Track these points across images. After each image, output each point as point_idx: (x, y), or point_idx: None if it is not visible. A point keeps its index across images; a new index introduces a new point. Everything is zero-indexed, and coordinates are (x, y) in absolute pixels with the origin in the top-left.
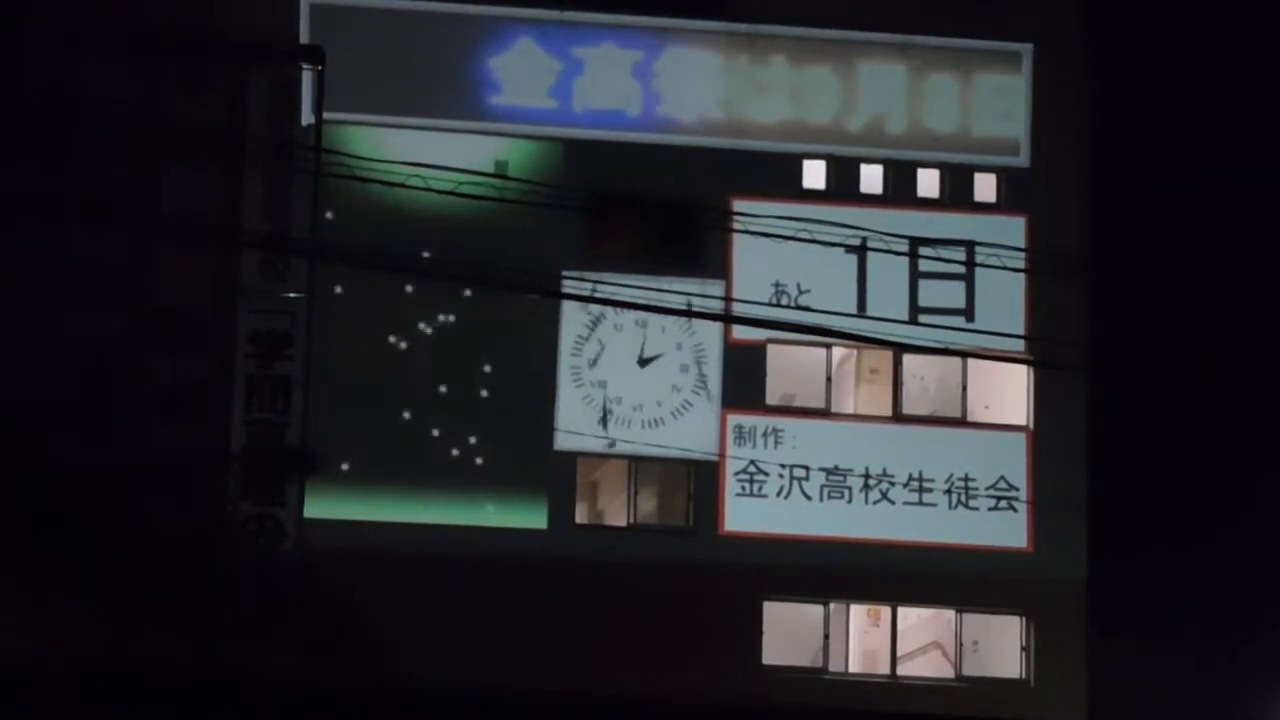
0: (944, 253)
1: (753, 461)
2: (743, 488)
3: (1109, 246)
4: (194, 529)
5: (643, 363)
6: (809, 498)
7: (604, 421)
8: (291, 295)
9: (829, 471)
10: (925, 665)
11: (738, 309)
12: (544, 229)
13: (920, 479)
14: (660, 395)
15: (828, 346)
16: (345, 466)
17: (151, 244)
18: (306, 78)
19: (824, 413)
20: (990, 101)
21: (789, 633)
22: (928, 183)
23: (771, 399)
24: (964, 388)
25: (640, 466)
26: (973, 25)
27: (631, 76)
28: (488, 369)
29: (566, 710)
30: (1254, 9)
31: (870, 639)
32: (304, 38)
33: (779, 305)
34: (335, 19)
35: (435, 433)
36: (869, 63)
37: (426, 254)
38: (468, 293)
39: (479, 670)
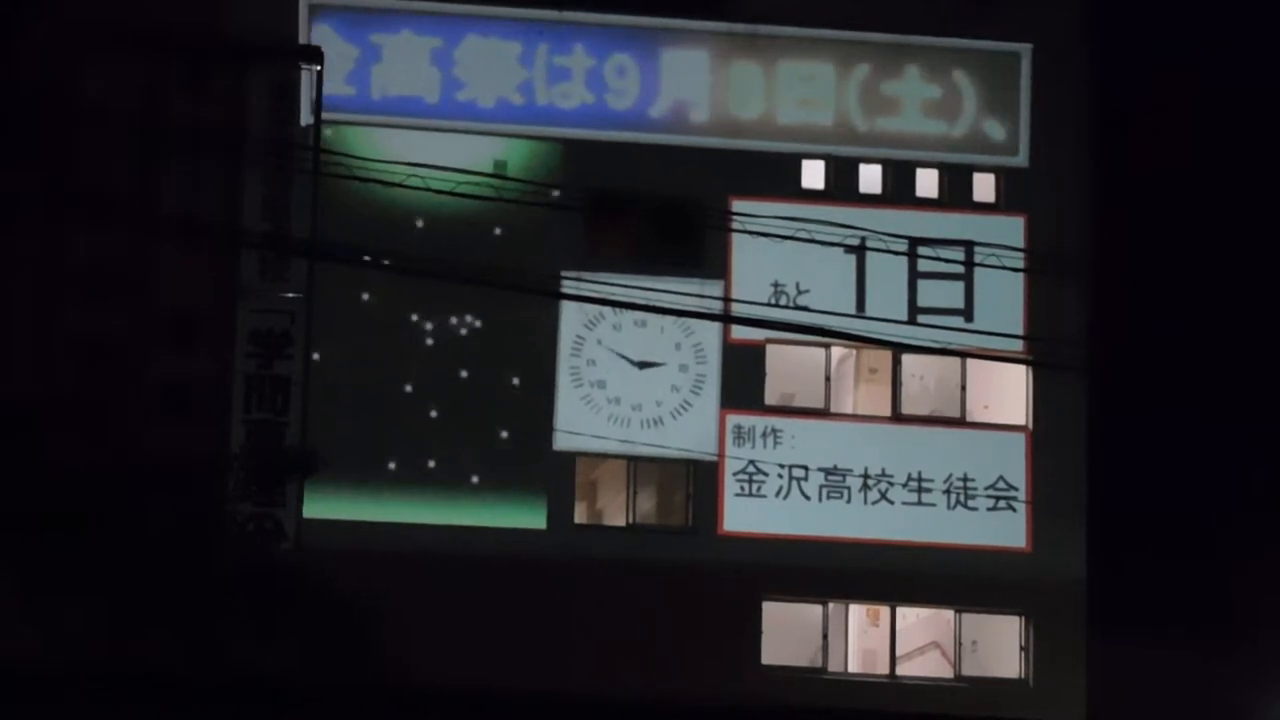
0: (943, 253)
1: (752, 461)
2: (742, 488)
3: (1109, 246)
4: (194, 529)
5: (642, 366)
6: (808, 498)
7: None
8: (291, 295)
9: (828, 471)
10: (924, 665)
11: (737, 309)
12: (544, 229)
13: (919, 479)
14: (660, 395)
15: (827, 346)
16: (345, 467)
17: (151, 244)
18: (306, 78)
19: (823, 413)
20: (989, 102)
21: (788, 633)
22: (927, 183)
23: (771, 399)
24: (963, 388)
25: (639, 466)
26: (972, 25)
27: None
28: (488, 369)
29: (566, 710)
30: (1253, 9)
31: (869, 639)
32: (303, 38)
33: (778, 305)
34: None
35: (435, 433)
36: (868, 63)
37: (426, 254)
38: (468, 293)
39: (479, 670)
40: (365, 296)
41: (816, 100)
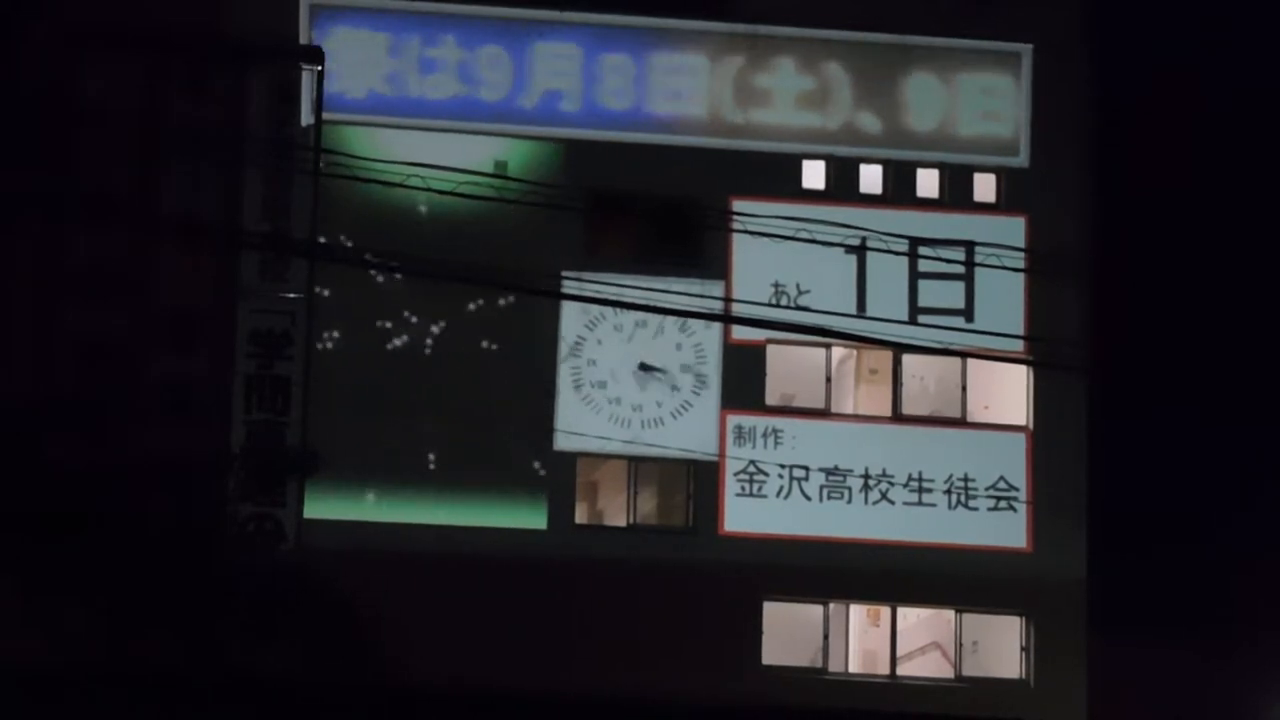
0: (943, 253)
1: (752, 462)
2: (742, 488)
3: (1109, 246)
4: (194, 529)
5: (644, 368)
6: (809, 498)
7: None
8: (291, 295)
9: (829, 472)
10: (925, 665)
11: (737, 309)
12: (544, 229)
13: (920, 479)
14: (660, 395)
15: (827, 346)
16: (345, 467)
17: (151, 244)
18: (306, 78)
19: (824, 413)
20: (990, 102)
21: (789, 633)
22: (927, 183)
23: (771, 399)
24: (964, 388)
25: (640, 467)
26: (973, 26)
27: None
28: (488, 369)
29: (567, 710)
30: (1253, 9)
31: (870, 639)
32: (304, 38)
33: (779, 305)
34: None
35: (435, 433)
36: (868, 63)
37: (427, 254)
38: (468, 292)
39: (479, 670)
40: (365, 297)
41: (816, 100)
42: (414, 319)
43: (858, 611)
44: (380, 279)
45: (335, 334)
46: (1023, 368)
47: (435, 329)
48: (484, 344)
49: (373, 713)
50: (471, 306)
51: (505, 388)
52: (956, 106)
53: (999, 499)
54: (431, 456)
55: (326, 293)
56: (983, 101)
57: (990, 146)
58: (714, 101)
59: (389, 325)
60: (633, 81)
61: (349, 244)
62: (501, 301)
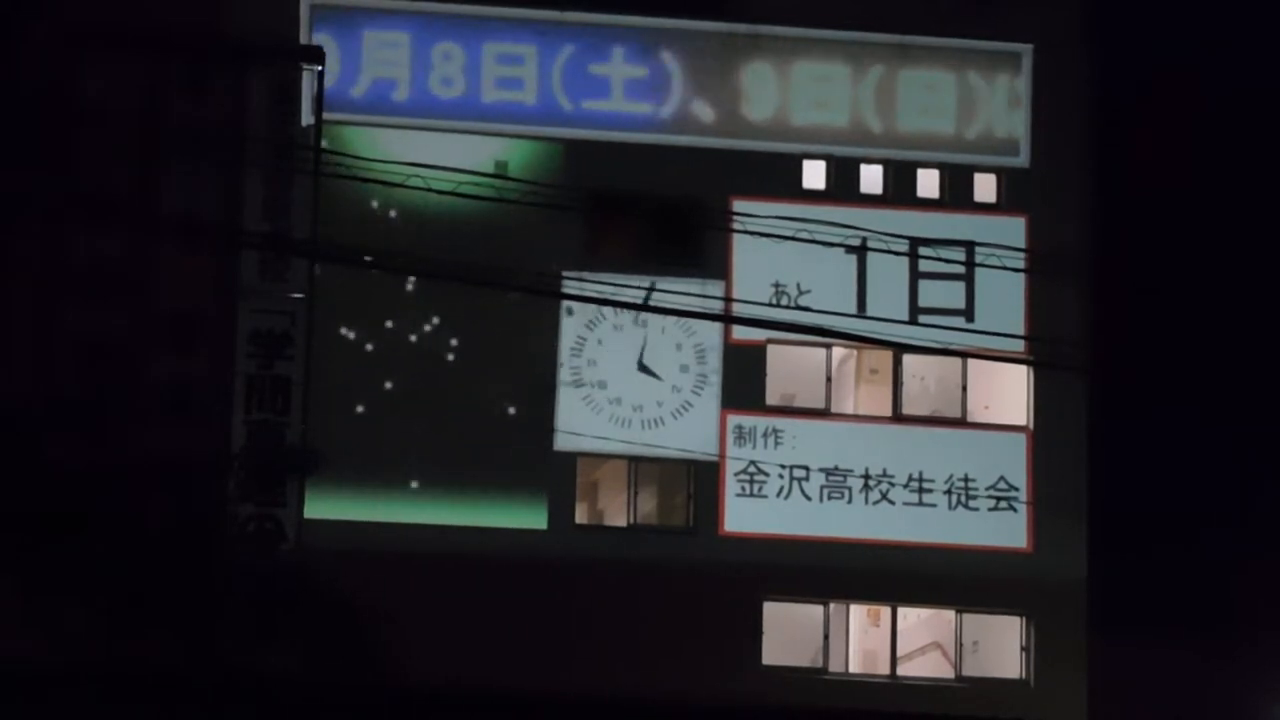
0: (944, 253)
1: (753, 462)
2: (743, 488)
3: (1109, 246)
4: (194, 529)
5: (642, 369)
6: (809, 498)
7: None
8: (291, 295)
9: (829, 472)
10: (925, 665)
11: (738, 309)
12: (544, 229)
13: (920, 479)
14: (660, 395)
15: (828, 347)
16: (346, 467)
17: (151, 244)
18: (306, 78)
19: (824, 413)
20: (990, 102)
21: (789, 633)
22: (928, 183)
23: (771, 399)
24: (964, 388)
25: (640, 467)
26: (973, 26)
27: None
28: (488, 369)
29: (567, 710)
30: (1253, 10)
31: (870, 639)
32: (304, 38)
33: (779, 305)
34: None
35: (436, 433)
36: (868, 63)
37: (427, 254)
38: (468, 292)
39: (479, 670)
40: (365, 297)
41: (817, 100)
42: (414, 319)
43: (858, 611)
44: (380, 279)
45: (335, 334)
46: (1023, 368)
47: (435, 329)
48: (484, 344)
49: (373, 713)
50: (471, 306)
51: (505, 388)
52: (956, 106)
53: (999, 499)
54: (431, 457)
55: (326, 293)
56: (983, 101)
57: (990, 146)
58: (716, 101)
59: (389, 325)
60: (633, 81)
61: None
62: (501, 301)
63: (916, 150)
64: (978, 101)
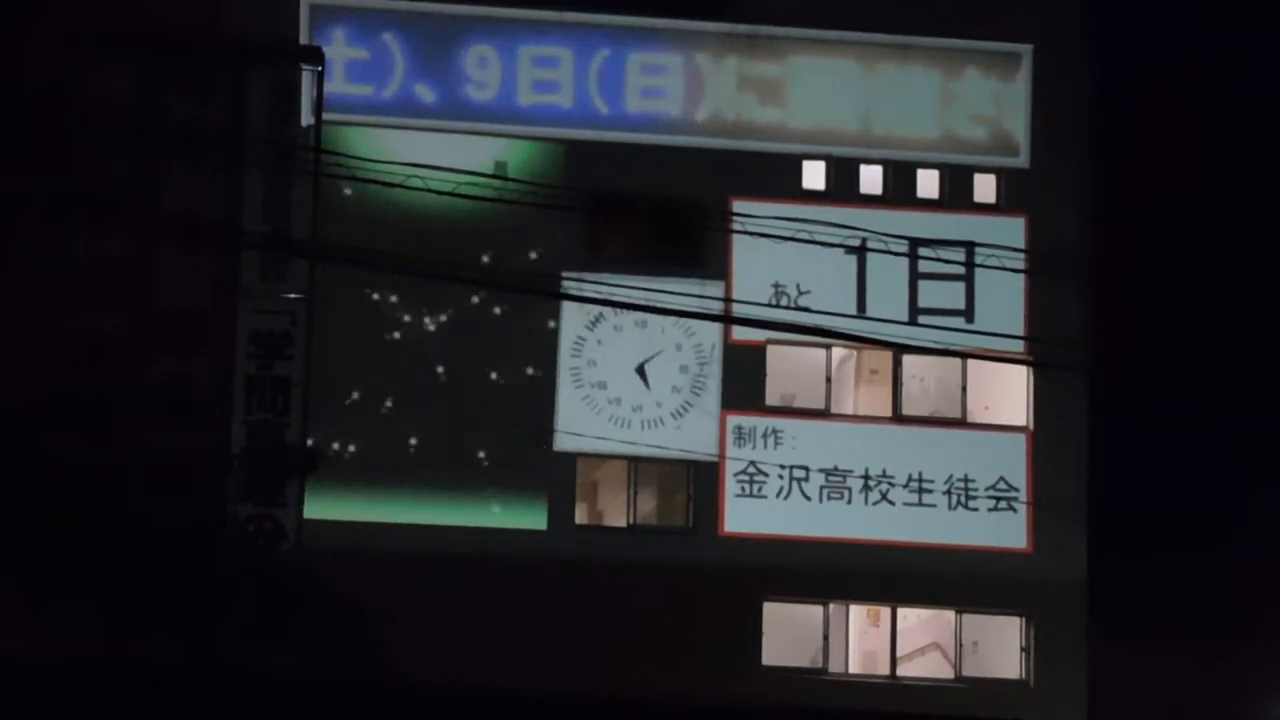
0: (944, 253)
1: (752, 462)
2: (742, 488)
3: (1109, 246)
4: (194, 529)
5: (641, 371)
6: (809, 498)
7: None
8: (291, 295)
9: (829, 472)
10: (925, 666)
11: (738, 309)
12: (544, 229)
13: (920, 480)
14: (660, 396)
15: (827, 347)
16: (345, 467)
17: (151, 244)
18: (306, 78)
19: (824, 413)
20: (990, 102)
21: (789, 633)
22: (927, 183)
23: (771, 399)
24: (964, 388)
25: (640, 467)
26: (972, 26)
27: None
28: (488, 369)
29: (567, 710)
30: (1253, 10)
31: (870, 639)
32: (304, 38)
33: (779, 306)
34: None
35: (435, 433)
36: (868, 63)
37: (427, 254)
38: (468, 292)
39: (479, 670)
40: (366, 297)
41: (817, 100)
42: (414, 319)
43: (858, 612)
44: (380, 279)
45: (335, 334)
46: (1023, 368)
47: (435, 329)
48: (484, 344)
49: (373, 713)
50: (471, 306)
51: (505, 388)
52: (957, 107)
53: (999, 499)
54: (431, 456)
55: (326, 295)
56: (983, 102)
57: (990, 147)
58: (715, 101)
59: (389, 325)
60: (633, 82)
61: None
62: (501, 301)
63: (916, 150)
64: (978, 102)
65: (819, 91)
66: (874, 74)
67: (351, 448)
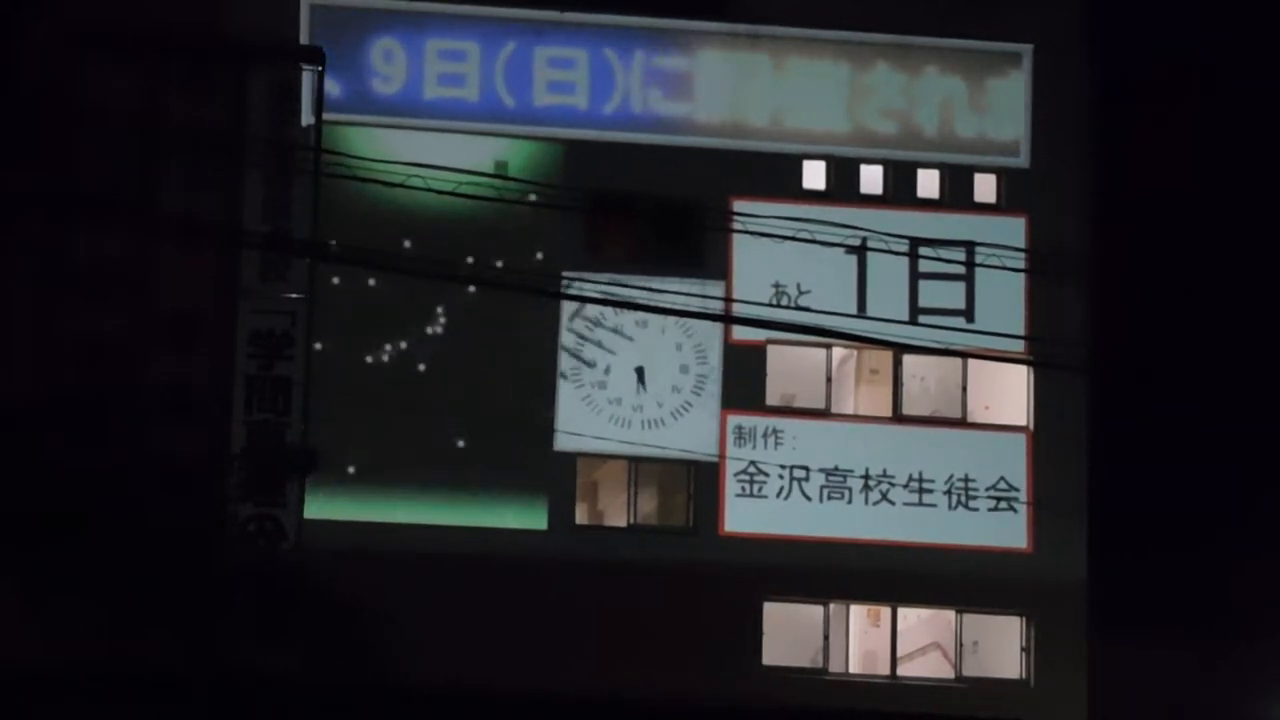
0: (944, 253)
1: (753, 462)
2: (743, 488)
3: (1109, 246)
4: (194, 529)
5: (640, 371)
6: (809, 498)
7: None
8: (291, 295)
9: (829, 472)
10: (925, 666)
11: (738, 309)
12: (544, 229)
13: (920, 479)
14: (660, 396)
15: (828, 347)
16: (346, 467)
17: (151, 244)
18: (306, 78)
19: (824, 413)
20: (990, 102)
21: (789, 633)
22: (928, 183)
23: (772, 399)
24: (964, 388)
25: (640, 467)
26: (973, 26)
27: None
28: (488, 369)
29: (567, 710)
30: (1254, 9)
31: (870, 639)
32: (304, 38)
33: (779, 306)
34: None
35: (435, 433)
36: (869, 63)
37: (427, 254)
38: (468, 293)
39: (479, 670)
40: (365, 297)
41: (817, 100)
42: (414, 319)
43: (858, 612)
44: (380, 279)
45: (335, 334)
46: (1023, 368)
47: (435, 329)
48: (484, 344)
49: (373, 713)
50: (471, 306)
51: (505, 388)
52: (956, 107)
53: (999, 499)
54: (431, 456)
55: (326, 295)
56: (983, 102)
57: (990, 146)
58: (716, 101)
59: (389, 325)
60: (633, 82)
61: (349, 244)
62: (501, 301)
63: (916, 150)
64: (978, 101)
65: (819, 91)
66: (874, 73)
67: (351, 448)
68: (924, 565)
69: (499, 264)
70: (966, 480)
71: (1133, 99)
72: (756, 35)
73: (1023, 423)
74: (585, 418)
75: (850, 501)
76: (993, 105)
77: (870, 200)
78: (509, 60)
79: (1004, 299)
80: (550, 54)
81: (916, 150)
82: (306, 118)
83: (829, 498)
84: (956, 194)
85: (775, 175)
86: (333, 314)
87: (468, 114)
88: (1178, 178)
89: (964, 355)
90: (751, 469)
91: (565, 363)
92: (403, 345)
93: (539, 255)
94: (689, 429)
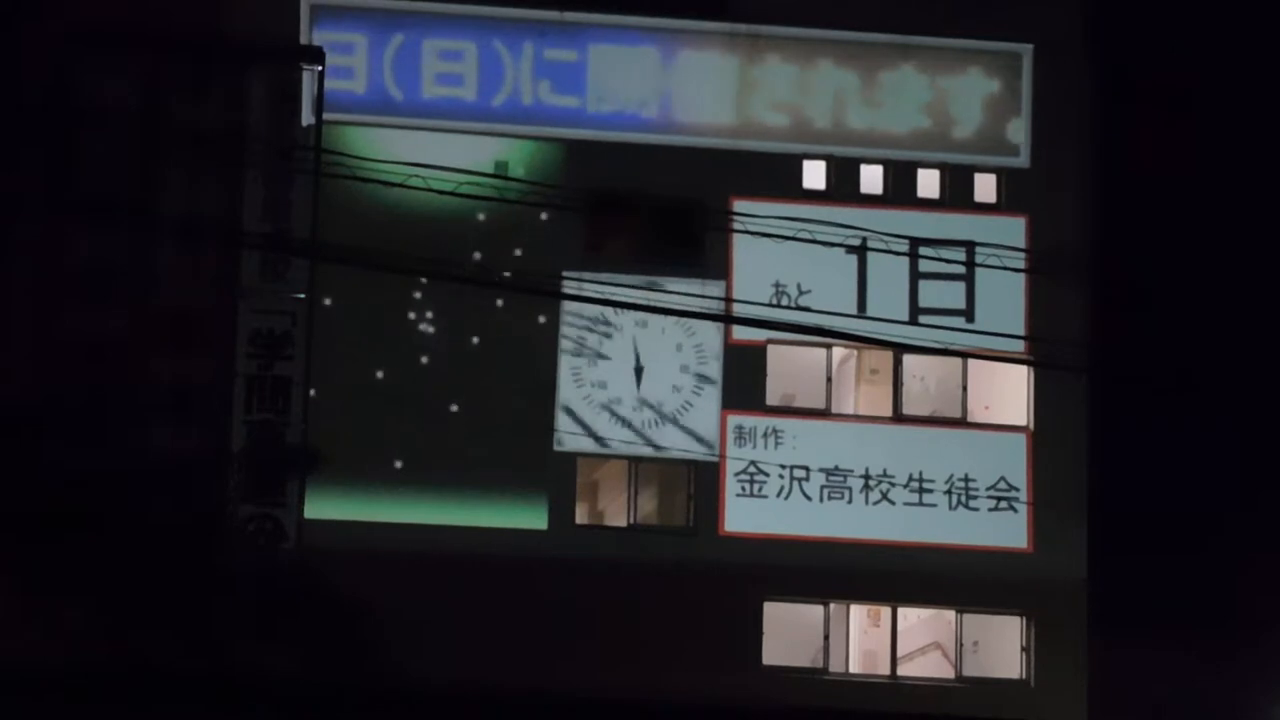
0: (944, 253)
1: (753, 462)
2: (743, 488)
3: (1109, 246)
4: (194, 529)
5: (639, 372)
6: (809, 498)
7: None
8: (292, 295)
9: (829, 472)
10: (925, 666)
11: (738, 309)
12: (544, 229)
13: (920, 479)
14: (660, 396)
15: (828, 347)
16: (345, 467)
17: (151, 244)
18: (306, 78)
19: (824, 413)
20: (990, 102)
21: (789, 633)
22: (928, 183)
23: (772, 399)
24: (964, 388)
25: (640, 467)
26: (973, 25)
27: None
28: (488, 369)
29: (567, 710)
30: (1254, 9)
31: (870, 639)
32: (305, 38)
33: (779, 306)
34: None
35: (435, 433)
36: (869, 63)
37: (427, 254)
38: (468, 293)
39: (479, 670)
40: (365, 297)
41: (817, 100)
42: (414, 319)
43: (858, 612)
44: (380, 279)
45: (336, 334)
46: (1023, 368)
47: (435, 329)
48: (484, 344)
49: (373, 713)
50: (471, 306)
51: (505, 388)
52: (957, 106)
53: (999, 499)
54: (431, 457)
55: (326, 294)
56: (983, 101)
57: (990, 146)
58: (717, 101)
59: (389, 325)
60: (633, 82)
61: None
62: (501, 301)
63: (917, 150)
64: (977, 101)
65: (819, 91)
66: (874, 73)
67: (352, 448)
68: (924, 565)
69: (499, 264)
70: (967, 480)
71: (1133, 99)
72: (755, 35)
73: (1023, 423)
74: (585, 418)
75: (850, 501)
76: (992, 105)
77: (870, 200)
78: (508, 60)
79: (1004, 299)
80: (550, 54)
81: (917, 150)
82: (307, 118)
83: (829, 498)
84: (956, 194)
85: (775, 175)
86: (333, 314)
87: (467, 114)
88: (1177, 177)
89: (964, 355)
90: (751, 469)
91: (565, 363)
92: (403, 345)
93: (539, 255)
94: (689, 429)
